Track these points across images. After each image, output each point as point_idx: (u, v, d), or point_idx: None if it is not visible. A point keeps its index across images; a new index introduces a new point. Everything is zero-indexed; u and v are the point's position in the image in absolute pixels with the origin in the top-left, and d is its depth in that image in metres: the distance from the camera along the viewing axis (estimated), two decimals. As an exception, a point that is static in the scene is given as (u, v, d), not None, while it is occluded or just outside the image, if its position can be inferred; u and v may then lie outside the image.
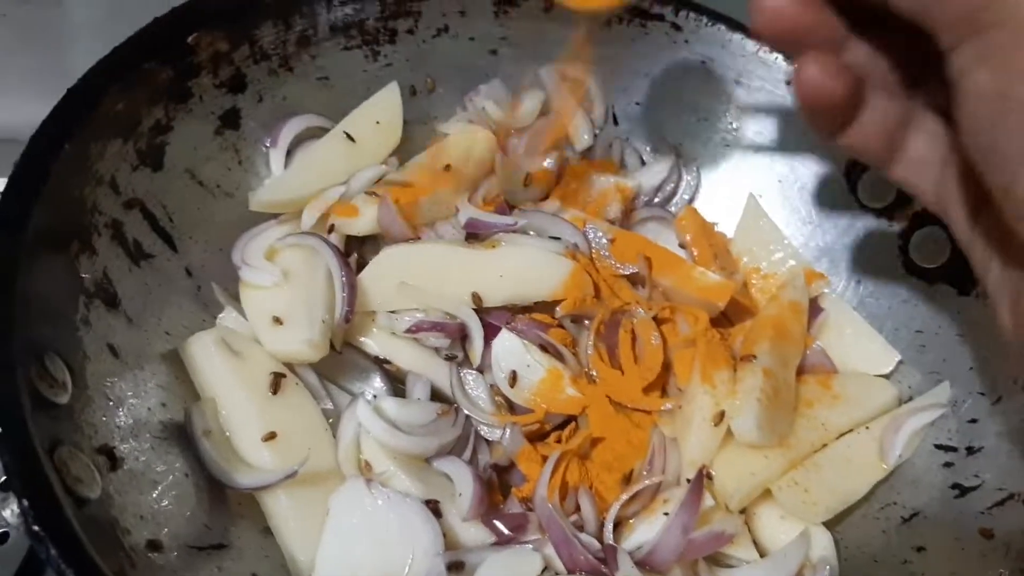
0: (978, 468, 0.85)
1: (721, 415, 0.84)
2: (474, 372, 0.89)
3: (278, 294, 0.84)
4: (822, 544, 0.84)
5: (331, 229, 0.88)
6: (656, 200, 1.06)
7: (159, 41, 0.83)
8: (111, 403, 0.73)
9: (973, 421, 0.88)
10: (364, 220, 0.87)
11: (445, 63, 1.02)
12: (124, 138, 0.81)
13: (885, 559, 0.85)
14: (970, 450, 0.87)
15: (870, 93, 0.62)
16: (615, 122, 1.08)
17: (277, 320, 0.82)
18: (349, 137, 0.92)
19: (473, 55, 1.02)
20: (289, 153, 0.93)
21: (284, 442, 0.79)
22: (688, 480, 0.83)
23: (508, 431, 0.85)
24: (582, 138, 1.05)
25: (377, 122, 0.94)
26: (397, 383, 0.89)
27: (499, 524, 0.81)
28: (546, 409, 0.87)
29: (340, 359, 0.87)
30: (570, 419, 0.89)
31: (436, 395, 0.89)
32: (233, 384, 0.80)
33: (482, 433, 0.87)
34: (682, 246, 1.01)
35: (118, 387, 0.75)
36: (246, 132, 0.92)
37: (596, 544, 0.79)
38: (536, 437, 0.88)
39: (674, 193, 1.07)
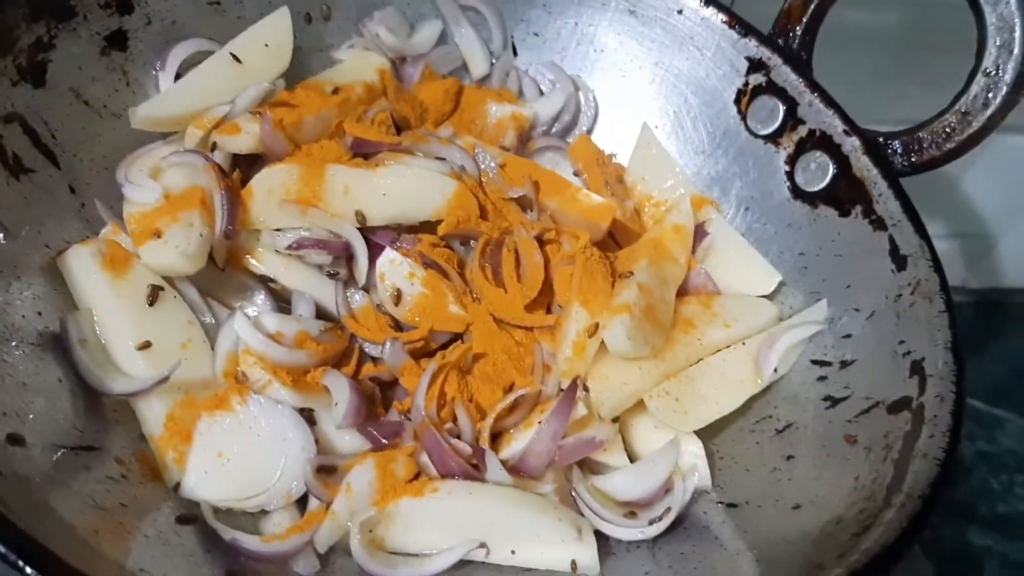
0: (848, 380, 0.88)
1: (595, 327, 0.86)
2: (359, 291, 0.90)
3: (160, 211, 0.84)
4: (692, 452, 0.86)
5: (213, 147, 0.89)
6: (554, 130, 1.07)
7: (39, -42, 0.83)
8: (-21, 307, 0.74)
9: (847, 336, 0.90)
10: (245, 138, 0.88)
11: (341, -9, 1.02)
12: (2, 53, 0.81)
13: (756, 468, 0.87)
14: (843, 364, 0.89)
15: None
16: (514, 52, 1.09)
17: (157, 234, 0.83)
18: (235, 58, 0.92)
19: (369, -17, 1.03)
20: (179, 77, 0.93)
21: (159, 352, 0.80)
22: (561, 391, 0.84)
23: (389, 346, 0.86)
24: (478, 66, 1.06)
25: (266, 45, 0.94)
26: (283, 302, 0.90)
27: (375, 432, 0.82)
28: (430, 326, 0.88)
29: (224, 277, 0.88)
30: (456, 337, 0.90)
31: (322, 314, 0.90)
32: (109, 295, 0.80)
33: (367, 350, 0.89)
34: (576, 174, 1.03)
35: (-10, 293, 0.76)
36: (134, 54, 0.92)
37: (468, 449, 0.81)
38: (422, 354, 0.89)
39: (573, 124, 1.08)
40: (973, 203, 1.61)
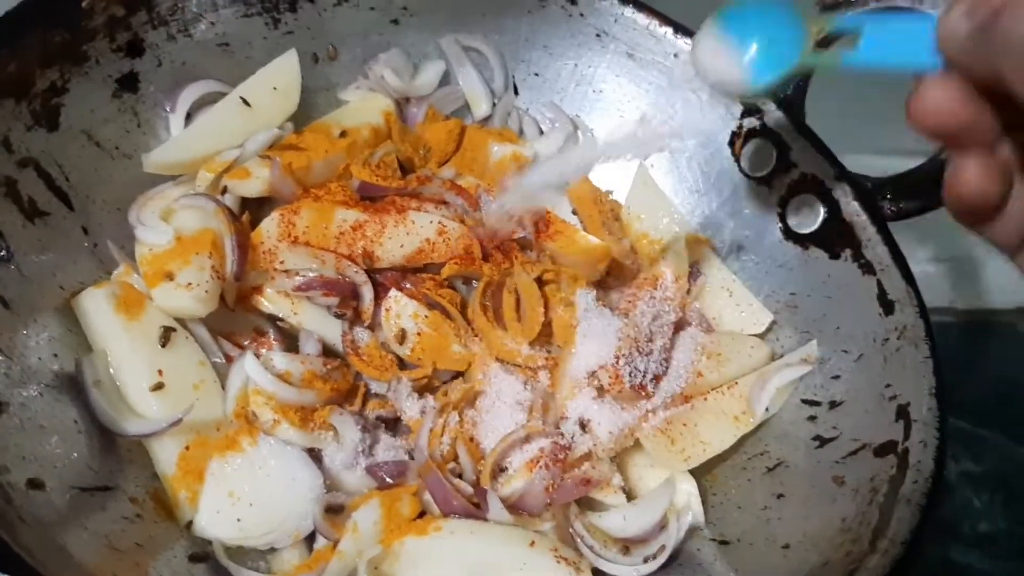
0: (837, 421, 0.91)
1: (594, 369, 0.88)
2: (364, 329, 0.93)
3: (171, 253, 0.87)
4: (686, 491, 0.89)
5: (224, 191, 0.91)
6: (553, 168, 1.10)
7: (52, 5, 0.85)
8: (-1, 352, 0.76)
9: (836, 377, 0.93)
10: (255, 182, 0.90)
11: (346, 32, 1.04)
12: (17, 98, 0.83)
13: (747, 506, 0.90)
14: (832, 404, 0.92)
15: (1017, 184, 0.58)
16: (515, 92, 1.12)
17: (168, 276, 0.85)
18: (245, 102, 0.94)
19: (374, 24, 1.05)
20: (189, 118, 0.96)
21: (172, 392, 0.83)
22: (560, 430, 0.87)
23: (396, 385, 0.89)
24: (480, 106, 1.08)
25: (274, 88, 0.96)
26: (291, 340, 0.93)
27: (380, 472, 0.85)
28: (434, 365, 0.91)
29: (234, 316, 0.90)
30: (458, 375, 0.93)
31: (328, 351, 0.92)
32: (123, 337, 0.83)
33: (371, 387, 0.92)
34: (574, 213, 1.05)
35: (7, 337, 0.78)
36: (145, 96, 0.94)
37: (469, 489, 0.84)
38: (424, 391, 0.92)
39: (571, 162, 1.11)
40: (960, 227, 1.64)
